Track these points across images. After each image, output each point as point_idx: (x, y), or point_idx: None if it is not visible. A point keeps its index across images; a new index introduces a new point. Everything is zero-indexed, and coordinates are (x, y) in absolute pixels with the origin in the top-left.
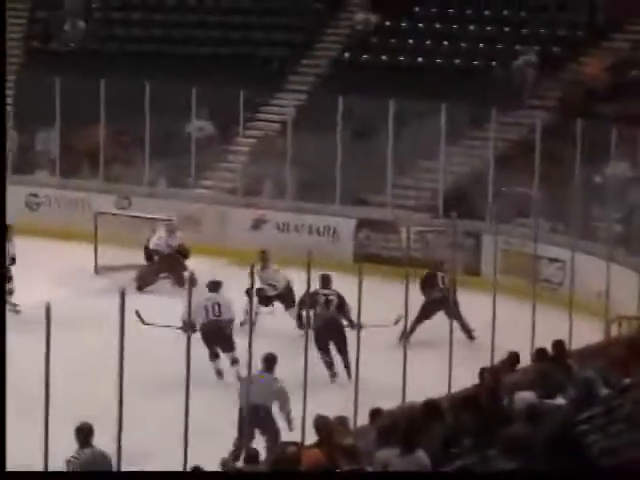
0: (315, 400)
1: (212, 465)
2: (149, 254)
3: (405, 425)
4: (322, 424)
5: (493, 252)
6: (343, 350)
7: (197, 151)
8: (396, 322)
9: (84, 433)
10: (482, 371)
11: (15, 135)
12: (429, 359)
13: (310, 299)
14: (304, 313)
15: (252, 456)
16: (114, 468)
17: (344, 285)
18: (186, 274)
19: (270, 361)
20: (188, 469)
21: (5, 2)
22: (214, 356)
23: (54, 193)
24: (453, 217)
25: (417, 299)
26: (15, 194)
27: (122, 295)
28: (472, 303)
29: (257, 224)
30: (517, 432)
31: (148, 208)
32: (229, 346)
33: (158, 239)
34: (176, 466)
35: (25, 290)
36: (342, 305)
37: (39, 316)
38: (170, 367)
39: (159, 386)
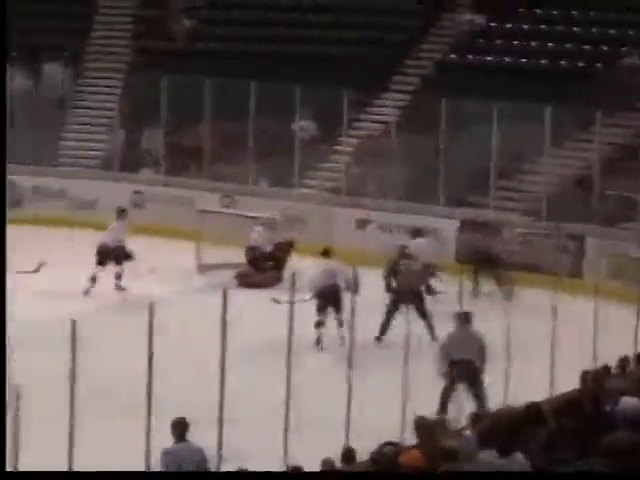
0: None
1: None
2: (250, 252)
3: (506, 428)
4: (422, 424)
5: (597, 255)
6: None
7: (301, 151)
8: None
9: (180, 428)
10: (584, 375)
11: (122, 133)
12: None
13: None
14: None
15: (349, 456)
16: (210, 463)
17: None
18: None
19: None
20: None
21: (6, 2)
22: (319, 324)
23: (159, 191)
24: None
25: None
26: (121, 191)
27: (224, 293)
28: (574, 306)
29: (361, 224)
30: (621, 438)
31: (251, 207)
32: (339, 307)
33: (257, 236)
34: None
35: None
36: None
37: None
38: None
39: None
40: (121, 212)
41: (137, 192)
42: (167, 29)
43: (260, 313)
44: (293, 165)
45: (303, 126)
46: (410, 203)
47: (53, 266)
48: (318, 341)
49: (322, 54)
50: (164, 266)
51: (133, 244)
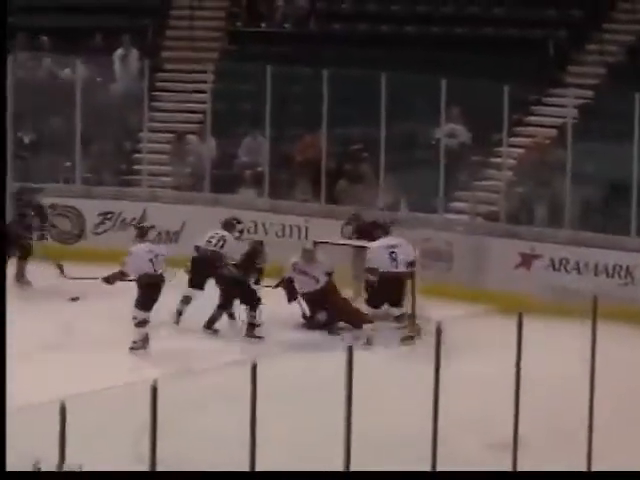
0: None
1: None
2: None
3: None
4: None
5: None
6: None
7: (447, 163)
8: None
9: None
10: None
11: (213, 142)
12: None
13: None
14: None
15: None
16: None
17: None
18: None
19: None
20: None
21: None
22: None
23: (262, 217)
24: None
25: None
26: (212, 217)
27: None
28: None
29: (525, 260)
30: None
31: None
32: None
33: None
34: None
35: None
36: None
37: None
38: None
39: None
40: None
41: (234, 219)
42: (274, 7)
43: None
44: (437, 183)
45: (451, 131)
46: (592, 233)
47: None
48: None
49: (476, 37)
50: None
51: None
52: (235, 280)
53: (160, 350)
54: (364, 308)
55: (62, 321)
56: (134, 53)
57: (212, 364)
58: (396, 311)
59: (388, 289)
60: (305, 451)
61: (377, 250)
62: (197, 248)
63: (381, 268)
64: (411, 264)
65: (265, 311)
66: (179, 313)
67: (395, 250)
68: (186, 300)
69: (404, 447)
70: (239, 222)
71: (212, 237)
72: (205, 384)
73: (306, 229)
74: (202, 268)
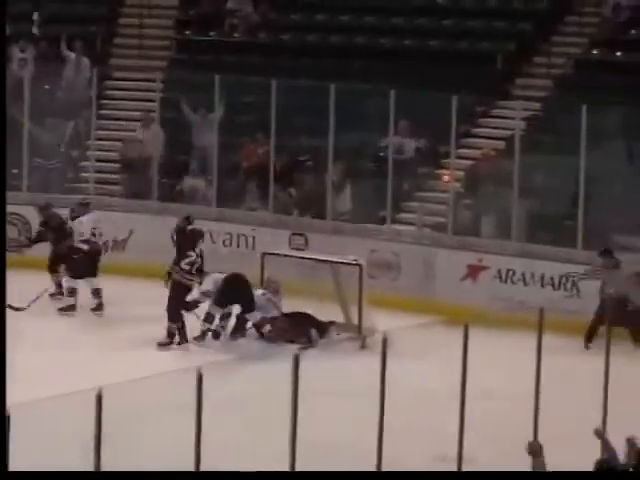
0: None
1: None
2: None
3: None
4: None
5: None
6: None
7: (394, 175)
8: None
9: None
10: None
11: (161, 149)
12: None
13: None
14: None
15: None
16: None
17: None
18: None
19: None
20: None
21: (6, 1)
22: None
23: (211, 227)
24: None
25: None
26: (159, 226)
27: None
28: None
29: (472, 272)
30: None
31: (329, 248)
32: None
33: None
34: None
35: None
36: None
37: None
38: None
39: None
40: None
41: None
42: (224, 16)
43: None
44: (384, 193)
45: (398, 142)
46: (539, 245)
47: None
48: None
49: (424, 48)
50: None
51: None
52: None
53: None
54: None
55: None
56: (85, 60)
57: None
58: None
59: None
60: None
61: None
62: None
63: None
64: None
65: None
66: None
67: None
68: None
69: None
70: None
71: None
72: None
73: (253, 238)
74: None
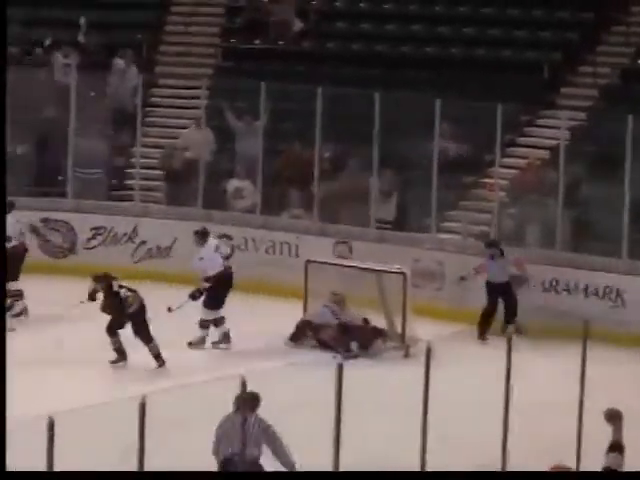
0: None
1: None
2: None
3: None
4: None
5: None
6: None
7: (439, 183)
8: None
9: None
10: None
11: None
12: None
13: None
14: None
15: None
16: None
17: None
18: None
19: None
20: None
21: (5, 2)
22: None
23: (253, 234)
24: None
25: None
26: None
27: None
28: None
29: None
30: None
31: (373, 257)
32: None
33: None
34: None
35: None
36: None
37: None
38: None
39: None
40: None
41: (225, 236)
42: (269, 24)
43: None
44: (429, 202)
45: (444, 148)
46: (583, 255)
47: None
48: None
49: (470, 57)
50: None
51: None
52: None
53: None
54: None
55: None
56: (132, 68)
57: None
58: None
59: None
60: None
61: None
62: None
63: None
64: None
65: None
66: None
67: None
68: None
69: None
70: (230, 238)
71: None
72: None
73: (297, 247)
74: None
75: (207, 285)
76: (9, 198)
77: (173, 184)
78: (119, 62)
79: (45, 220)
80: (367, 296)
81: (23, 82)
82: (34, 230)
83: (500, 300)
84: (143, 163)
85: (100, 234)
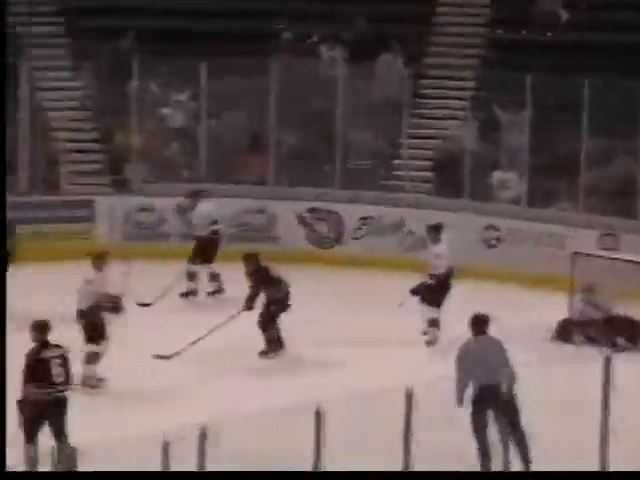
0: None
1: None
2: None
3: None
4: None
5: None
6: None
7: None
8: None
9: None
10: None
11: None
12: None
13: None
14: None
15: None
16: None
17: None
18: None
19: None
20: None
21: (5, 2)
22: None
23: (520, 226)
24: None
25: None
26: (469, 226)
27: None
28: None
29: None
30: None
31: None
32: None
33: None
34: None
35: None
36: None
37: None
38: None
39: None
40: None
41: (490, 227)
42: (533, 15)
43: None
44: None
45: None
46: None
47: None
48: None
49: None
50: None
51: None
52: None
53: None
54: None
55: None
56: (399, 60)
57: None
58: None
59: None
60: None
61: None
62: None
63: None
64: None
65: None
66: None
67: None
68: None
69: None
70: (496, 229)
71: None
72: None
73: (562, 238)
74: None
75: (430, 282)
76: (195, 186)
77: (441, 175)
78: (386, 56)
79: (312, 210)
80: (634, 289)
81: (291, 74)
82: (301, 220)
83: None
84: (411, 154)
85: (367, 224)
